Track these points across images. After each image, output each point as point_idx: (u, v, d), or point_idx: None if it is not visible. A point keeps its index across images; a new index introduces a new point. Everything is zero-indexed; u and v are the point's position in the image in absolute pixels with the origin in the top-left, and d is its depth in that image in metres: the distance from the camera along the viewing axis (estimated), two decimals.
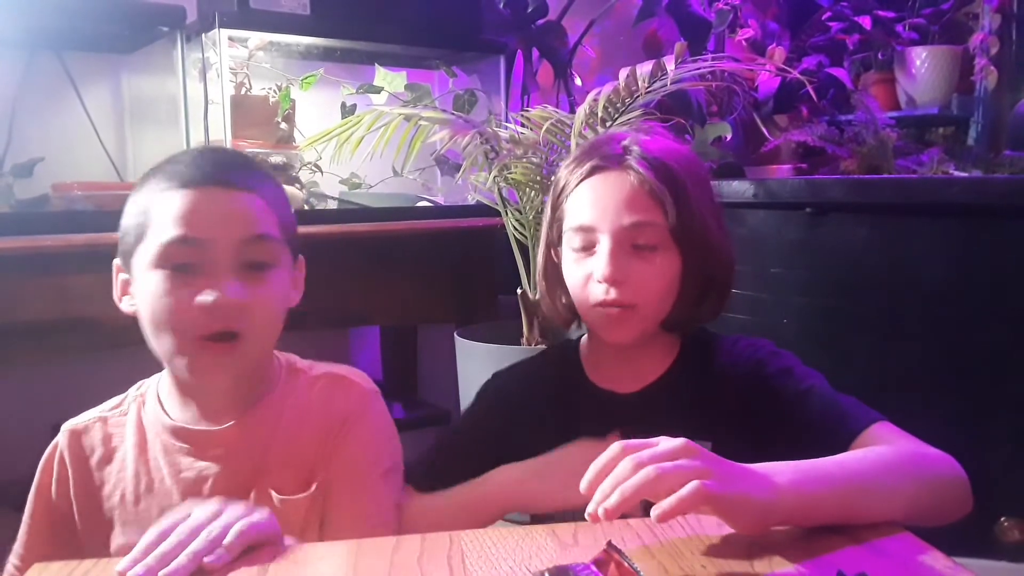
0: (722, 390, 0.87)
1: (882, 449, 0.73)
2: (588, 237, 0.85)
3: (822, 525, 0.65)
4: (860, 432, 0.77)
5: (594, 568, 0.58)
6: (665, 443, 0.62)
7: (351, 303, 1.78)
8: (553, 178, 0.92)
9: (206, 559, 0.62)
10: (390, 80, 1.96)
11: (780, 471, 0.65)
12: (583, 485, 0.62)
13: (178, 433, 0.80)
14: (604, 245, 0.83)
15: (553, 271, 0.92)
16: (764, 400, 0.84)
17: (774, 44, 2.15)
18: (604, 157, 0.85)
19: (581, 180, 0.86)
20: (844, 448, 0.76)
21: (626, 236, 0.83)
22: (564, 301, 0.92)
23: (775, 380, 0.85)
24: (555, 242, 0.91)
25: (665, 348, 0.90)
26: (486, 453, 0.88)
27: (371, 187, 2.04)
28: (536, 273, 1.02)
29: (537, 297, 1.54)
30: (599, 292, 0.84)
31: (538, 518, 0.90)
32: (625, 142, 0.86)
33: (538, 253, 0.96)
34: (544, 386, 0.93)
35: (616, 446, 0.62)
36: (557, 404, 0.91)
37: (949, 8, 2.03)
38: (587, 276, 0.85)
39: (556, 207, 0.90)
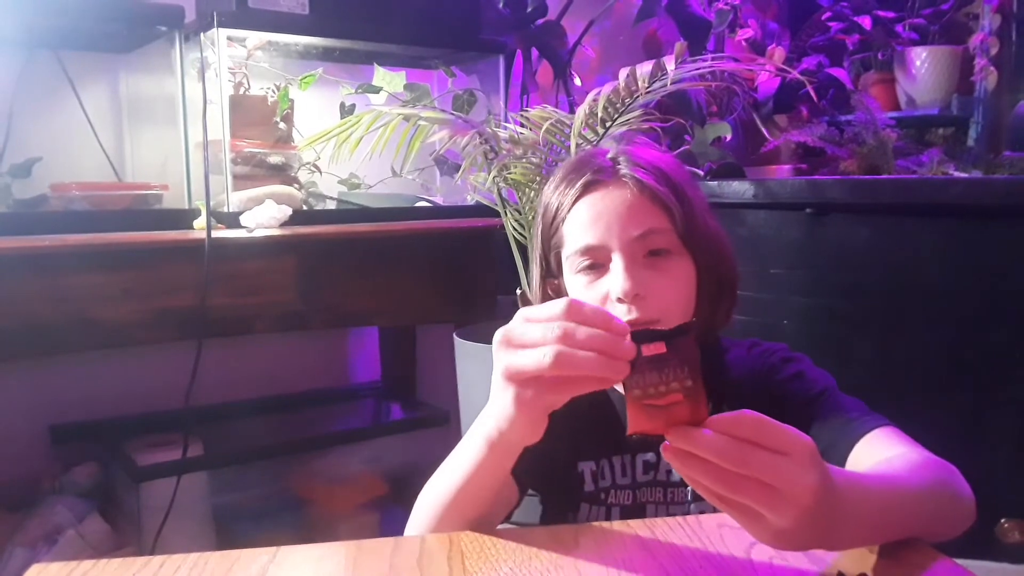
0: (736, 398, 0.86)
1: (912, 468, 0.68)
2: (596, 257, 0.80)
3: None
4: (863, 436, 0.75)
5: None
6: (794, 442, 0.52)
7: (350, 303, 1.77)
8: (539, 203, 0.87)
9: None
10: (389, 80, 1.95)
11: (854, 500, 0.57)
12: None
13: None
14: (617, 262, 0.78)
15: None
16: (776, 406, 0.83)
17: (774, 44, 2.15)
18: (596, 171, 0.81)
19: (576, 199, 0.81)
20: (847, 452, 0.75)
21: (638, 247, 0.79)
22: None
23: (786, 386, 0.84)
24: (554, 273, 0.86)
25: None
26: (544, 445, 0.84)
27: (370, 187, 2.04)
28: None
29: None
30: (620, 314, 0.78)
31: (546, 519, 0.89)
32: (611, 154, 0.83)
33: (532, 285, 0.90)
34: None
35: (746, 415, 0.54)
36: (594, 404, 0.89)
37: (949, 8, 2.03)
38: (603, 299, 0.79)
39: (551, 235, 0.85)
